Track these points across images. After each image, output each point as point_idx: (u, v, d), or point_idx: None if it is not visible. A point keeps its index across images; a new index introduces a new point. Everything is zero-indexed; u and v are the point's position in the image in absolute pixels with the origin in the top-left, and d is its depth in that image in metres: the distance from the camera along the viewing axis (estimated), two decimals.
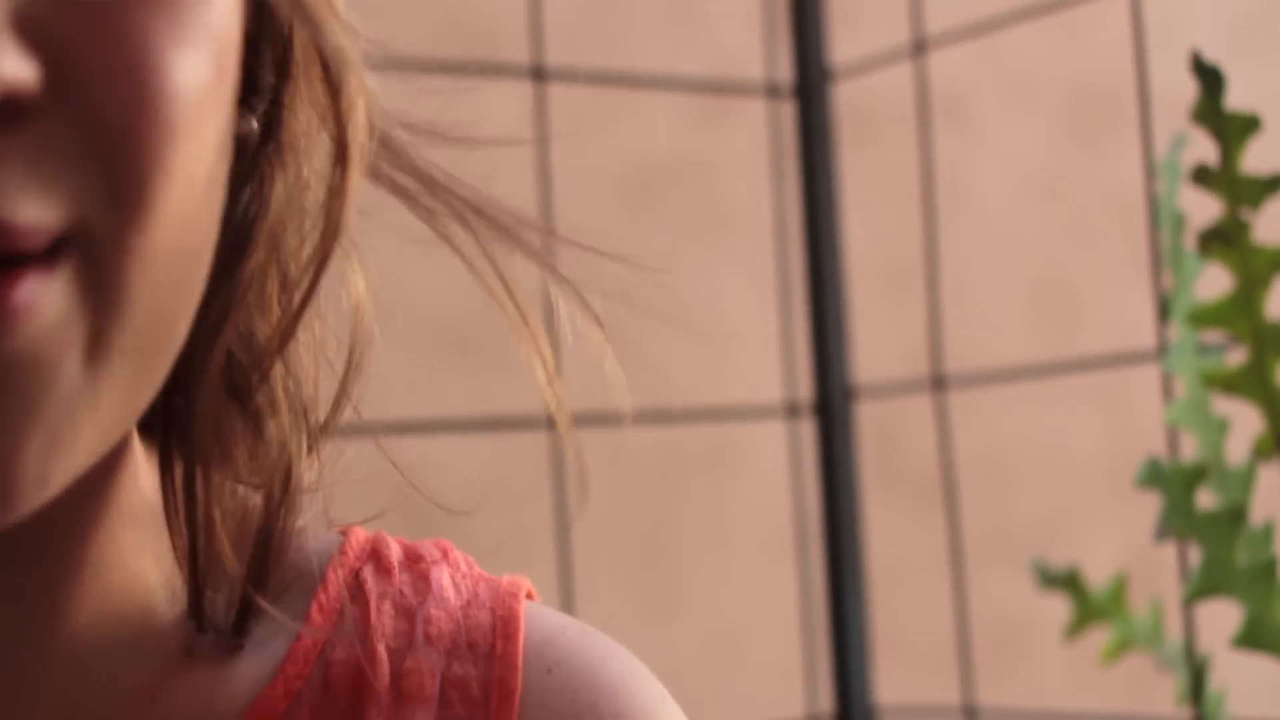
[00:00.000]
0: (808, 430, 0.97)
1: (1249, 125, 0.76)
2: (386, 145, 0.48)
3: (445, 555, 0.50)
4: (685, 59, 1.60)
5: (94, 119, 0.38)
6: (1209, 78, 0.75)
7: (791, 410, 0.92)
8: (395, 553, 0.50)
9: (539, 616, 0.49)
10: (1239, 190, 0.75)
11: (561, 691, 0.48)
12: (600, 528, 1.56)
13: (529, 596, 0.50)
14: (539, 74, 0.83)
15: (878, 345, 1.53)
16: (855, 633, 0.89)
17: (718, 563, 1.59)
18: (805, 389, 0.98)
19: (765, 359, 0.98)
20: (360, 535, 0.50)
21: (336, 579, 0.48)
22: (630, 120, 1.58)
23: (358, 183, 0.46)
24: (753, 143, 0.96)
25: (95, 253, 0.38)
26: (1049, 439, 1.74)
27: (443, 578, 0.49)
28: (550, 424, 0.89)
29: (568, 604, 0.89)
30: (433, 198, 0.49)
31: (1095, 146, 1.72)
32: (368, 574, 0.49)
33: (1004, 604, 1.64)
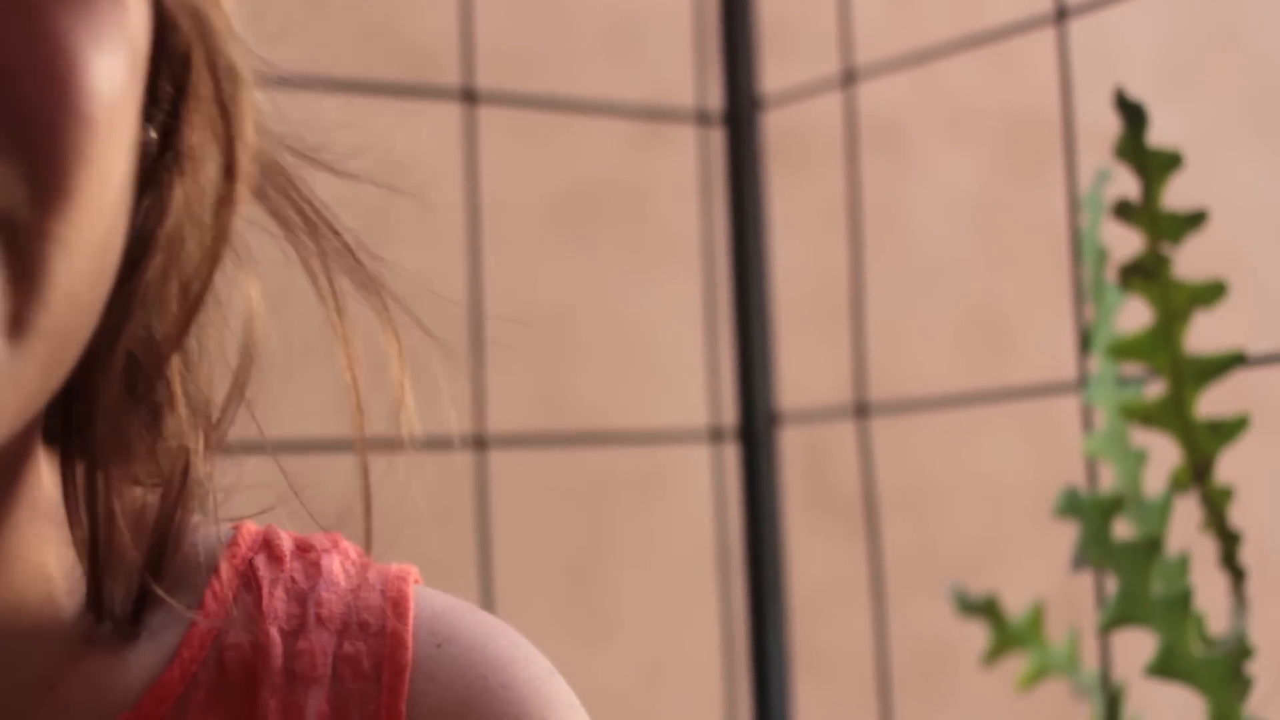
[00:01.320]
0: (734, 455, 0.97)
1: (1170, 162, 0.77)
2: (270, 169, 0.50)
3: (335, 544, 0.52)
4: (621, 84, 1.60)
5: (17, 114, 0.40)
6: (1132, 114, 0.76)
7: (716, 435, 0.93)
8: (286, 543, 0.52)
9: (427, 597, 0.51)
10: (1160, 225, 0.77)
11: (451, 665, 0.50)
12: (531, 550, 1.57)
13: (416, 582, 0.52)
14: (469, 96, 0.83)
15: (807, 372, 1.54)
16: (775, 658, 0.90)
17: (647, 586, 1.59)
18: (731, 414, 0.99)
19: (693, 383, 0.99)
20: (252, 527, 0.52)
21: (229, 568, 0.50)
22: (566, 144, 1.59)
23: (245, 195, 0.48)
24: (686, 169, 0.97)
25: (20, 240, 0.40)
26: (977, 468, 1.75)
27: (333, 564, 0.51)
28: (476, 443, 0.89)
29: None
30: (305, 230, 0.51)
31: (1028, 178, 1.73)
32: (260, 562, 0.51)
33: (929, 630, 1.65)
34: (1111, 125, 1.88)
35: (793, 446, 1.65)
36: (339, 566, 0.51)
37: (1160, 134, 1.88)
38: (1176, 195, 1.95)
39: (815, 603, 1.64)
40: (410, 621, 0.50)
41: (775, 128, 1.59)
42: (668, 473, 1.55)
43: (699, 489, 0.96)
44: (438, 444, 0.93)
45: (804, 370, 1.53)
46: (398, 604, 0.50)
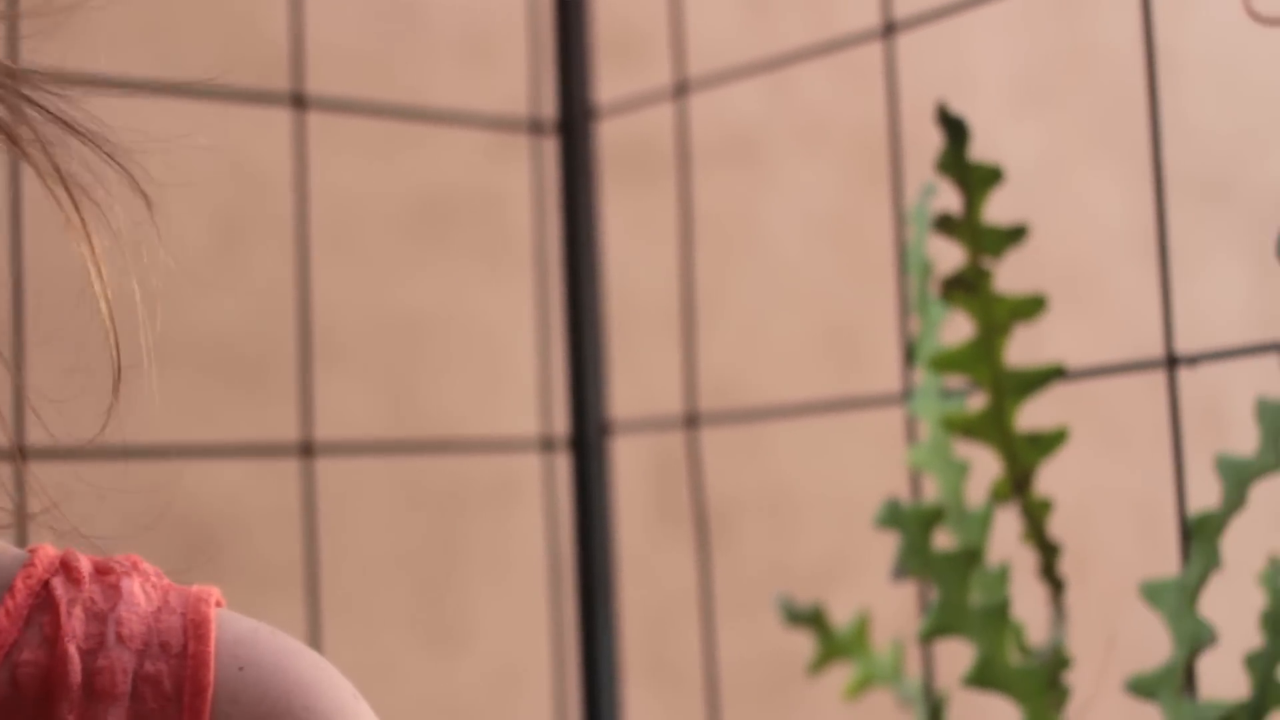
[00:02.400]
0: (572, 465, 0.97)
1: (991, 176, 0.77)
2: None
3: (135, 566, 0.52)
4: (474, 92, 1.60)
5: None
6: (953, 129, 0.77)
7: (548, 445, 0.92)
8: (85, 565, 0.52)
9: (229, 620, 0.51)
10: (980, 239, 0.77)
11: (254, 688, 0.49)
12: (380, 558, 1.56)
13: (218, 604, 0.51)
14: (299, 101, 0.82)
15: (657, 380, 1.54)
16: (606, 667, 0.90)
17: (496, 595, 1.59)
18: (588, 422, 0.99)
19: (536, 392, 0.99)
20: (49, 550, 0.52)
21: (24, 587, 0.50)
22: (422, 152, 1.58)
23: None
24: (530, 178, 0.97)
25: None
26: (829, 478, 1.76)
27: (133, 586, 0.51)
28: (303, 451, 0.89)
29: (314, 632, 0.88)
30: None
31: (880, 191, 1.75)
32: (57, 583, 0.51)
33: (776, 640, 1.66)
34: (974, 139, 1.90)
35: (644, 456, 1.65)
36: (139, 588, 0.51)
37: (1014, 150, 1.90)
38: (1027, 209, 1.97)
39: (665, 612, 1.64)
40: (211, 643, 0.50)
41: (624, 138, 1.60)
42: (516, 482, 1.55)
43: (551, 498, 0.96)
44: (267, 451, 0.92)
45: (653, 379, 1.54)
46: (199, 626, 0.50)
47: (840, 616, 1.16)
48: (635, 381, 1.49)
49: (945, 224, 0.76)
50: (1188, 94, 1.97)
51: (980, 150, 1.86)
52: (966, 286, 0.77)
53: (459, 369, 1.61)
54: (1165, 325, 0.76)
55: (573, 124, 0.91)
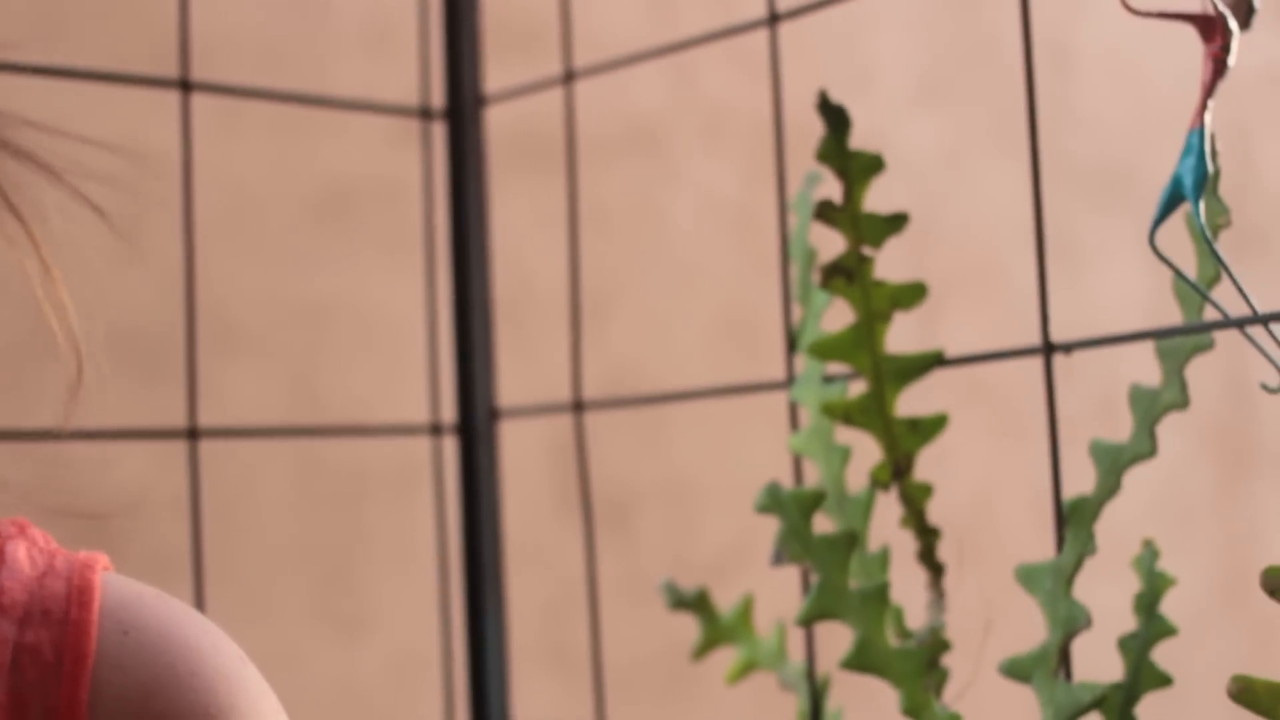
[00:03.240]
0: (460, 451, 0.97)
1: (872, 165, 0.78)
2: None
3: (22, 531, 0.51)
4: (374, 78, 1.60)
5: None
6: (834, 117, 0.77)
7: (440, 430, 0.93)
8: None
9: (115, 584, 0.50)
10: (861, 228, 0.78)
11: (138, 652, 0.49)
12: (286, 544, 1.55)
13: (105, 569, 0.51)
14: (185, 86, 0.82)
15: (553, 369, 1.54)
16: (494, 653, 0.90)
17: (398, 581, 1.59)
18: (476, 407, 0.99)
19: (429, 378, 0.99)
20: None
21: None
22: (324, 138, 1.58)
23: None
24: (425, 167, 0.97)
25: None
26: (730, 465, 1.77)
27: (18, 551, 0.50)
28: (189, 434, 0.88)
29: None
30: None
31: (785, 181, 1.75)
32: None
33: (678, 626, 1.67)
34: (862, 132, 1.91)
35: (545, 443, 1.65)
36: (24, 553, 0.50)
37: (916, 141, 1.91)
38: (931, 200, 1.98)
39: (564, 599, 1.64)
40: (95, 609, 0.49)
41: (526, 127, 1.60)
42: (415, 468, 1.55)
43: (436, 485, 0.96)
44: (154, 435, 0.92)
45: (553, 366, 1.54)
46: (83, 591, 0.49)
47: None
48: (535, 368, 1.50)
49: (825, 212, 0.77)
50: (1085, 87, 1.99)
51: (881, 142, 1.88)
52: (846, 274, 0.78)
53: (358, 355, 1.60)
54: (1041, 313, 0.77)
55: (460, 111, 0.91)
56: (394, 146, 1.57)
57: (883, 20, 1.91)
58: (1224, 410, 1.99)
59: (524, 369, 1.57)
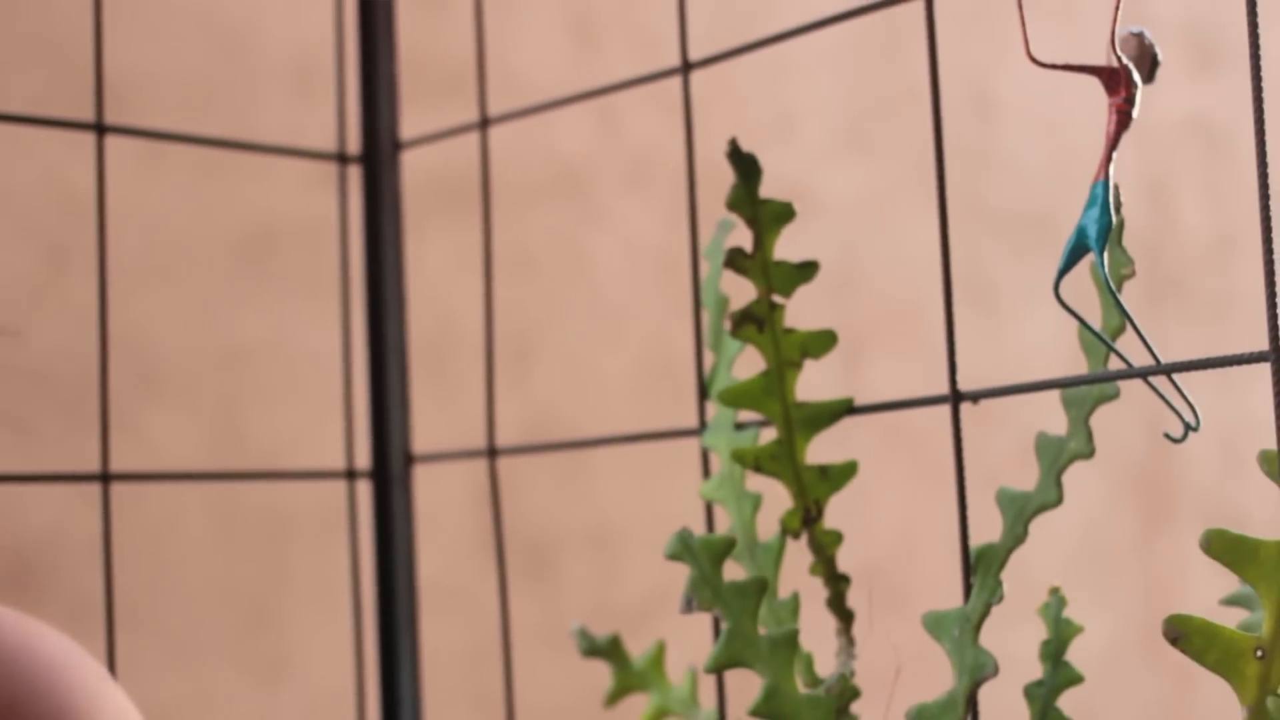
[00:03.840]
0: (374, 497, 0.97)
1: (783, 213, 0.79)
2: None
3: None
4: (293, 122, 1.60)
5: None
6: (744, 165, 0.78)
7: (358, 475, 0.92)
8: None
9: None
10: (771, 276, 0.78)
11: None
12: (207, 588, 1.55)
13: None
14: (100, 129, 0.82)
15: (477, 412, 1.54)
16: (407, 699, 0.90)
17: (318, 625, 1.58)
18: (391, 453, 0.99)
19: (345, 423, 0.99)
20: None
21: None
22: (249, 180, 1.58)
23: None
24: (341, 211, 0.97)
25: None
26: (653, 510, 1.77)
27: None
28: (104, 478, 0.88)
29: (112, 660, 0.87)
30: None
31: (707, 227, 1.76)
32: None
33: (599, 673, 1.67)
34: (784, 178, 1.92)
35: (470, 487, 1.65)
36: None
37: (838, 187, 1.92)
38: (854, 246, 1.99)
39: (488, 644, 1.64)
40: None
41: (451, 169, 1.60)
42: (336, 512, 1.54)
43: (350, 531, 0.96)
44: (71, 479, 0.92)
45: (477, 410, 1.54)
46: None
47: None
48: (458, 411, 1.50)
49: (735, 260, 0.78)
50: (1006, 135, 2.01)
51: (803, 188, 1.89)
52: (757, 322, 0.78)
53: (280, 397, 1.60)
54: (950, 362, 0.78)
55: (376, 156, 0.91)
56: (317, 188, 1.57)
57: (806, 66, 1.92)
58: (1144, 455, 2.01)
59: (447, 412, 1.57)
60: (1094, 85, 0.75)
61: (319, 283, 1.55)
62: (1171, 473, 2.06)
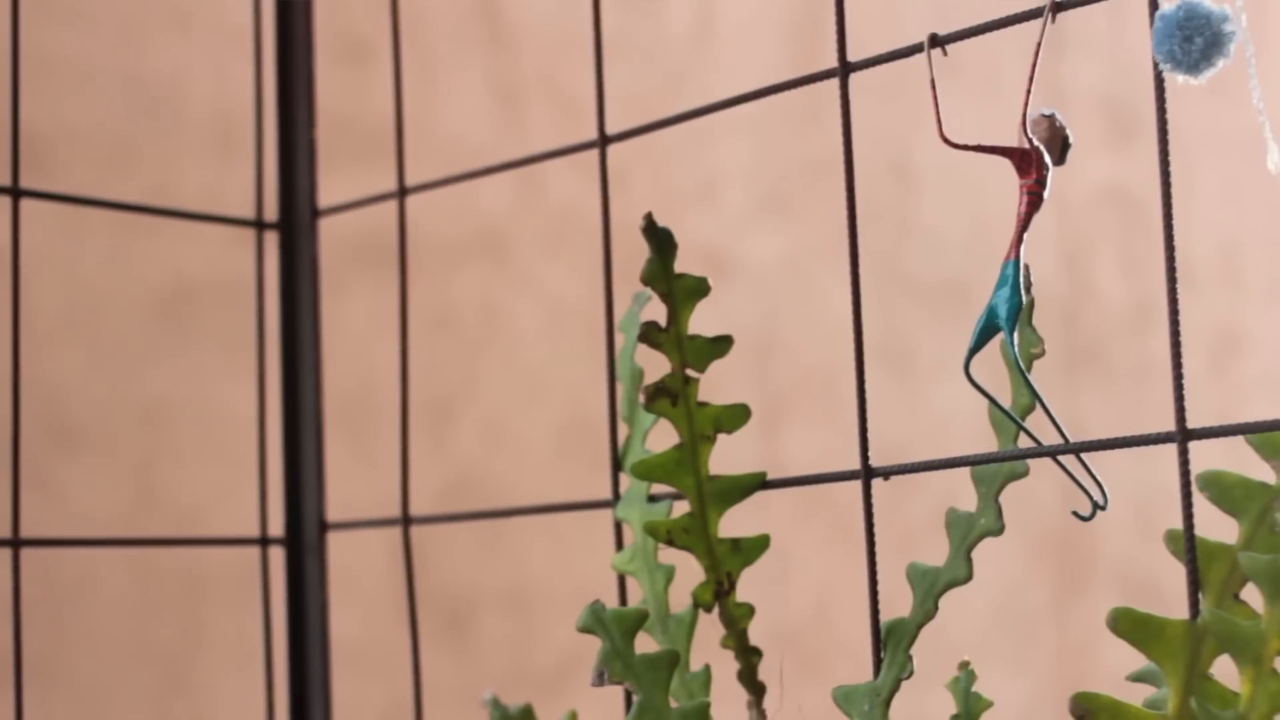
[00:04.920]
0: (287, 563, 0.97)
1: (698, 288, 0.79)
2: None
3: None
4: (214, 185, 1.60)
5: None
6: (659, 239, 0.79)
7: (271, 542, 0.92)
8: None
9: None
10: (685, 350, 0.79)
11: None
12: (125, 650, 1.53)
13: None
14: (16, 194, 0.82)
15: (396, 473, 1.54)
16: None
17: (236, 688, 1.57)
18: (304, 520, 0.99)
19: (259, 488, 0.99)
20: None
21: None
22: (165, 240, 1.57)
23: None
24: (258, 279, 0.97)
25: None
26: (573, 576, 1.77)
27: None
28: (14, 543, 0.87)
29: None
30: None
31: (628, 291, 1.77)
32: None
33: None
34: (706, 242, 1.92)
35: (389, 549, 1.64)
36: None
37: (759, 252, 1.93)
38: (774, 312, 1.99)
39: (404, 707, 1.63)
40: None
41: (374, 231, 1.60)
42: (250, 572, 1.54)
43: (264, 597, 0.96)
44: None
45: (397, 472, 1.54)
46: None
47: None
48: (381, 472, 1.49)
49: (650, 335, 0.78)
50: (926, 203, 2.03)
51: (724, 253, 1.89)
52: (671, 396, 0.78)
53: (199, 457, 1.59)
54: (861, 439, 0.78)
55: (294, 224, 0.91)
56: (239, 247, 1.57)
57: (729, 130, 1.93)
58: (1061, 521, 2.02)
59: (369, 471, 1.57)
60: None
61: (239, 342, 1.55)
62: (1087, 539, 2.08)
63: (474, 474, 1.75)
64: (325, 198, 0.98)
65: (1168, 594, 0.76)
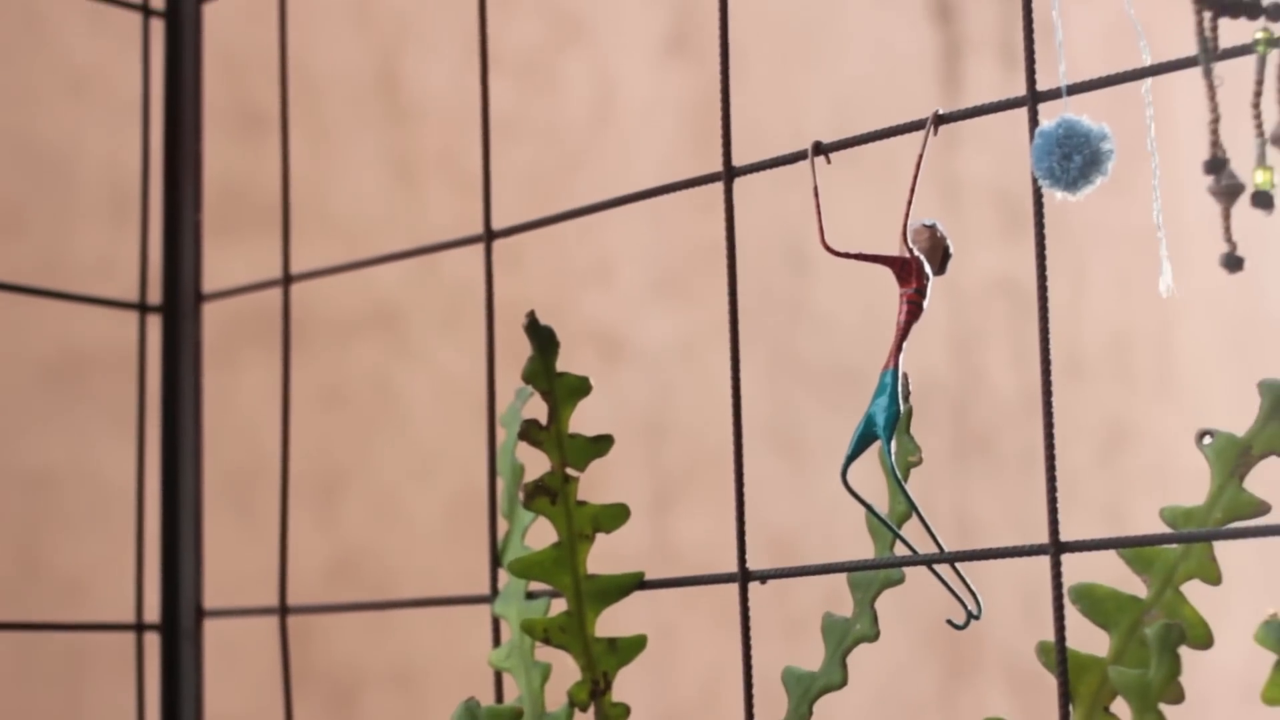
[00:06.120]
0: (173, 649, 0.96)
1: (579, 388, 0.79)
2: None
3: None
4: (105, 256, 1.58)
5: None
6: (541, 338, 0.78)
7: (149, 627, 0.91)
8: None
9: None
10: (565, 449, 0.79)
11: None
12: None
13: None
14: None
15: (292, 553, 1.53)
16: None
17: None
18: (180, 607, 0.97)
19: (137, 575, 0.98)
20: None
21: None
22: (53, 310, 1.56)
23: None
24: (140, 363, 0.96)
25: None
26: (457, 659, 1.76)
27: None
28: None
29: None
30: None
31: (518, 371, 1.76)
32: None
33: None
34: (603, 324, 1.92)
35: (276, 626, 1.63)
36: None
37: (653, 333, 1.93)
38: (667, 392, 1.99)
39: None
40: None
41: (265, 303, 1.59)
42: (127, 655, 1.52)
43: (138, 682, 0.94)
44: None
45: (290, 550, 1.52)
46: None
47: None
48: (270, 546, 1.48)
49: (530, 433, 0.78)
50: (819, 289, 2.04)
51: (619, 333, 1.89)
52: (550, 494, 0.78)
53: (83, 528, 1.57)
54: (740, 541, 0.78)
55: (176, 308, 0.90)
56: (126, 319, 1.55)
57: (625, 212, 1.93)
58: (948, 607, 2.02)
59: (258, 545, 1.55)
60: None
61: (127, 414, 1.53)
62: (974, 628, 2.08)
63: (363, 551, 1.74)
64: (219, 271, 0.97)
65: (1053, 685, 0.76)
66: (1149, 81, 0.68)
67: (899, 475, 0.74)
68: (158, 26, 0.96)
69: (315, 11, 1.79)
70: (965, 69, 2.20)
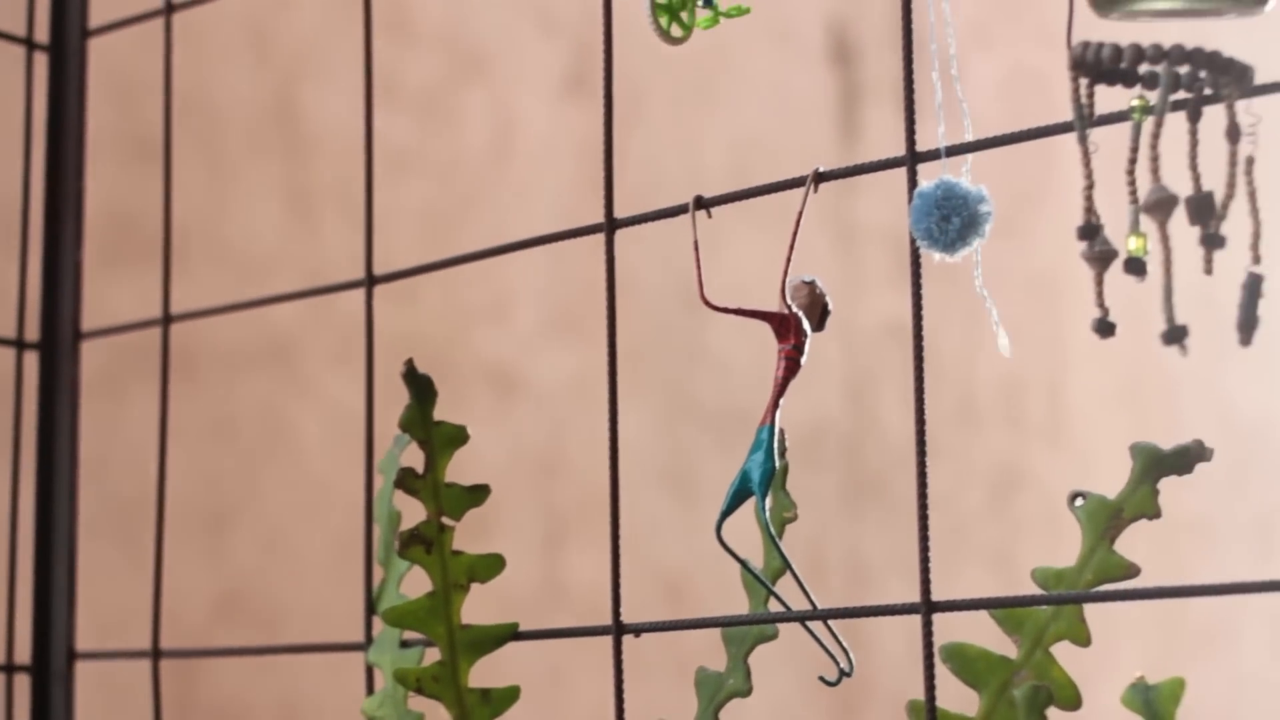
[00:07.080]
0: (43, 691, 0.94)
1: (456, 437, 0.79)
2: None
3: None
4: None
5: None
6: (419, 386, 0.78)
7: (19, 668, 0.90)
8: None
9: None
10: (442, 498, 0.78)
11: None
12: None
13: None
14: None
15: (177, 585, 1.51)
16: None
17: None
18: (52, 650, 0.96)
19: (8, 616, 0.96)
20: None
21: None
22: None
23: None
24: (15, 400, 0.95)
25: None
26: (345, 689, 1.74)
27: None
28: None
29: None
30: None
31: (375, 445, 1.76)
32: None
33: None
34: (498, 360, 1.91)
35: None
36: None
37: (547, 371, 1.93)
38: (560, 430, 1.98)
39: None
40: None
41: (147, 338, 1.57)
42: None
43: None
44: None
45: (178, 583, 1.51)
46: None
47: None
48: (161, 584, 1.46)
49: (406, 481, 0.77)
50: (715, 331, 2.04)
51: (515, 370, 1.88)
52: (425, 544, 0.78)
53: None
54: (614, 593, 0.78)
55: (54, 347, 0.89)
56: (4, 355, 1.53)
57: (522, 250, 1.93)
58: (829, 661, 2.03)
59: (147, 582, 1.53)
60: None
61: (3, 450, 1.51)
62: (864, 667, 2.08)
63: (250, 585, 1.73)
64: (109, 301, 0.96)
65: None
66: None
67: (773, 532, 0.74)
68: (41, 60, 0.95)
69: (215, 41, 1.78)
70: (864, 113, 2.21)
